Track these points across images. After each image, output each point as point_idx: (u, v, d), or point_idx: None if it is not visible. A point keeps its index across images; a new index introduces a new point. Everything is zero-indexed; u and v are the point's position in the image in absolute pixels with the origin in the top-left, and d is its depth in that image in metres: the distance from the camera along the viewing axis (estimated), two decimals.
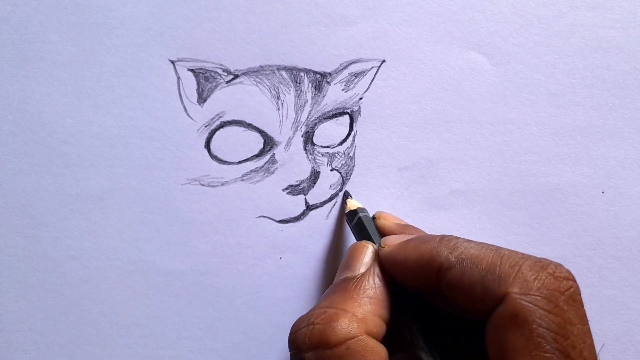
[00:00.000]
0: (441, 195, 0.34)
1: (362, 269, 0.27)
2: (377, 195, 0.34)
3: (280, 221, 0.33)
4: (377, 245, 0.28)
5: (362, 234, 0.30)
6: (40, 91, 0.31)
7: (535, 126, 0.34)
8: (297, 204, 0.33)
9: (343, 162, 0.33)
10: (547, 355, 0.21)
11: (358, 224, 0.31)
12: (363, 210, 0.32)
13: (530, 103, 0.34)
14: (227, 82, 0.31)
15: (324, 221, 0.34)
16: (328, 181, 0.33)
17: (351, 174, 0.34)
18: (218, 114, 0.32)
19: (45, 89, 0.31)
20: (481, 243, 0.24)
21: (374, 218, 0.31)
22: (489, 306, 0.22)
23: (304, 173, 0.33)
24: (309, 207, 0.33)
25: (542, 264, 0.23)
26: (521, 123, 0.34)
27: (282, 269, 0.34)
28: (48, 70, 0.31)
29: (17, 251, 0.32)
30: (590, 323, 0.36)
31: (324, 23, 0.32)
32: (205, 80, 0.31)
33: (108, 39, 0.31)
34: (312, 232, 0.34)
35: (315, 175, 0.33)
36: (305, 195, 0.33)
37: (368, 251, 0.28)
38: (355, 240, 0.30)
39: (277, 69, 0.32)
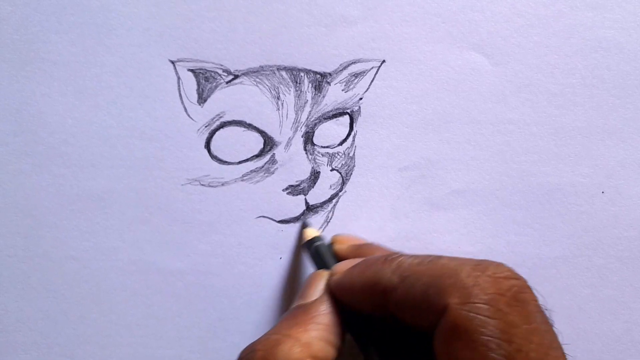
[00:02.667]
0: (441, 195, 0.34)
1: (315, 296, 0.27)
2: (377, 195, 0.34)
3: (280, 221, 0.33)
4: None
5: (319, 262, 0.30)
6: (41, 91, 0.31)
7: (535, 126, 0.34)
8: (297, 204, 0.33)
9: (343, 162, 0.33)
10: None
11: (314, 253, 0.31)
12: (319, 238, 0.32)
13: (530, 103, 0.34)
14: (227, 83, 0.31)
15: (323, 221, 0.34)
16: (328, 181, 0.33)
17: (351, 174, 0.34)
18: (218, 114, 0.32)
19: (45, 89, 0.31)
20: (424, 255, 0.24)
21: (331, 243, 0.32)
22: (433, 321, 0.22)
23: (304, 173, 0.33)
24: (309, 208, 0.33)
25: (481, 267, 0.22)
26: (521, 123, 0.34)
27: (282, 269, 0.34)
28: (48, 70, 0.31)
29: (17, 251, 0.32)
30: (590, 323, 0.36)
31: (324, 23, 0.32)
32: (206, 81, 0.31)
33: (108, 39, 0.31)
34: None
35: (315, 176, 0.33)
36: (305, 195, 0.33)
37: (322, 279, 0.28)
38: (312, 270, 0.31)
39: (277, 69, 0.32)
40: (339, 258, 0.30)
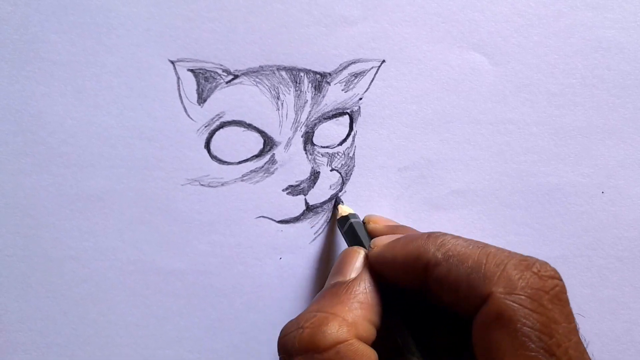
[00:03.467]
0: (441, 195, 0.34)
1: (353, 274, 0.27)
2: (377, 195, 0.34)
3: (280, 221, 0.33)
4: (368, 249, 0.28)
5: (354, 239, 0.30)
6: (40, 91, 0.31)
7: (535, 126, 0.34)
8: (297, 204, 0.33)
9: (343, 162, 0.33)
10: (532, 354, 0.21)
11: (349, 229, 0.31)
12: (354, 215, 0.32)
13: (530, 103, 0.34)
14: (227, 83, 0.31)
15: (323, 222, 0.34)
16: (328, 181, 0.33)
17: (351, 174, 0.34)
18: (218, 114, 0.32)
19: (45, 89, 0.31)
20: (469, 240, 0.24)
21: (364, 222, 0.32)
22: (474, 305, 0.22)
23: (304, 173, 0.33)
24: (309, 208, 0.33)
25: (527, 263, 0.22)
26: (521, 123, 0.34)
27: (282, 269, 0.34)
28: (48, 70, 0.31)
29: (17, 251, 0.32)
30: (590, 323, 0.36)
31: (323, 23, 0.32)
32: (205, 81, 0.31)
33: (108, 39, 0.31)
34: (312, 232, 0.34)
35: (315, 176, 0.33)
36: (305, 195, 0.33)
37: (359, 256, 0.28)
38: (346, 246, 0.30)
39: (277, 69, 0.32)
40: (373, 237, 0.30)
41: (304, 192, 0.33)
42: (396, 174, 0.34)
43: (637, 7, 0.33)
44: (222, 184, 0.32)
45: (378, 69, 0.32)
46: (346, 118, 0.33)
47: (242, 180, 0.33)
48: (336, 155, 0.33)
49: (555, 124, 0.34)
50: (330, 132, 0.33)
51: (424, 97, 0.33)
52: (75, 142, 0.31)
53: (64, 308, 0.33)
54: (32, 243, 0.32)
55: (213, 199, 0.33)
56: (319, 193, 0.33)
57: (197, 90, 0.31)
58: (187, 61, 0.31)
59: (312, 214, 0.33)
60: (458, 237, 0.24)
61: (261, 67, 0.31)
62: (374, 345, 0.24)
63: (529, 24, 0.33)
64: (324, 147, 0.33)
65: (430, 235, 0.25)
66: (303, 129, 0.32)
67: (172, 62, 0.31)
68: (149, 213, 0.32)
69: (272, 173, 0.33)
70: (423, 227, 0.34)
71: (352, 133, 0.33)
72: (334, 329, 0.23)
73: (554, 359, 0.21)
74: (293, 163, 0.33)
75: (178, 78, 0.31)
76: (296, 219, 0.33)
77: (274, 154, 0.33)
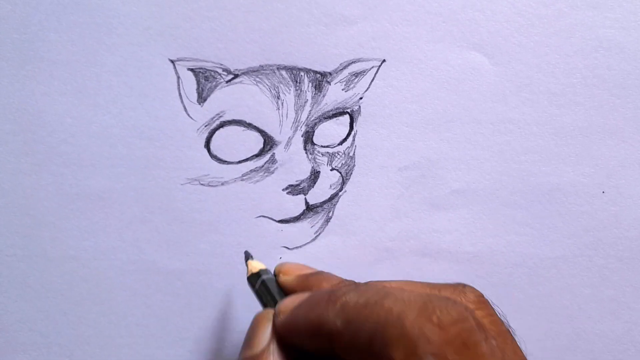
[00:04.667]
0: (441, 195, 0.34)
1: (262, 345, 0.26)
2: (377, 195, 0.34)
3: (280, 221, 0.33)
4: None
5: (265, 299, 0.29)
6: (40, 91, 0.31)
7: (535, 126, 0.34)
8: (297, 204, 0.33)
9: (343, 161, 0.33)
10: None
11: (261, 288, 0.29)
12: (266, 272, 0.30)
13: (531, 103, 0.34)
14: (227, 82, 0.31)
15: (323, 221, 0.34)
16: (328, 181, 0.33)
17: (351, 173, 0.34)
18: (218, 114, 0.32)
19: (45, 89, 0.31)
20: (369, 293, 0.22)
21: (275, 275, 0.30)
22: None
23: (304, 173, 0.33)
24: (309, 207, 0.33)
25: (426, 313, 0.21)
26: (521, 123, 0.34)
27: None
28: (48, 69, 0.31)
29: (17, 251, 0.32)
30: (590, 323, 0.36)
31: (324, 22, 0.32)
32: (205, 80, 0.31)
33: (108, 39, 0.30)
34: (312, 232, 0.34)
35: (315, 175, 0.33)
36: (305, 195, 0.33)
37: (268, 325, 0.26)
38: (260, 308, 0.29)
39: (277, 68, 0.32)
40: (285, 291, 0.29)
41: (304, 191, 0.33)
42: (396, 173, 0.34)
43: (637, 7, 0.33)
44: (222, 184, 0.32)
45: (378, 69, 0.32)
46: (346, 117, 0.33)
47: (242, 180, 0.33)
48: (336, 154, 0.33)
49: (555, 124, 0.34)
50: (331, 132, 0.33)
51: (425, 96, 0.33)
52: (75, 142, 0.31)
53: (64, 308, 0.33)
54: (32, 243, 0.32)
55: (213, 199, 0.33)
56: (319, 193, 0.33)
57: (197, 89, 0.31)
58: (187, 60, 0.31)
59: (312, 213, 0.33)
60: (360, 293, 0.23)
61: (261, 66, 0.31)
62: None
63: (530, 24, 0.33)
64: (324, 146, 0.33)
65: (330, 297, 0.23)
66: (303, 129, 0.32)
67: (172, 62, 0.31)
68: (149, 212, 0.32)
69: (272, 172, 0.33)
70: (423, 227, 0.34)
71: (353, 132, 0.33)
72: None
73: None
74: (293, 162, 0.33)
75: (178, 77, 0.31)
76: (296, 219, 0.33)
77: (274, 153, 0.33)
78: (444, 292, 0.24)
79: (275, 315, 0.26)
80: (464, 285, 0.24)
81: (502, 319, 0.23)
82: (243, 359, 0.26)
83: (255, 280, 0.30)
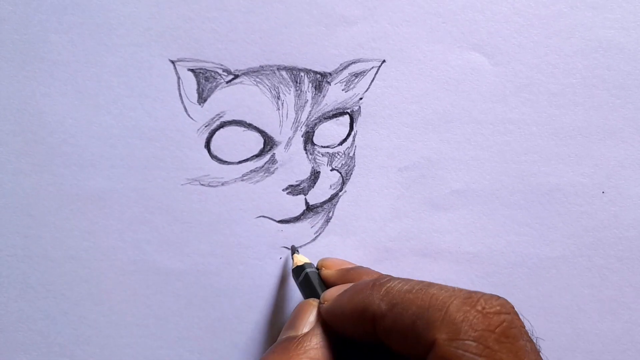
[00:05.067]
0: (441, 195, 0.34)
1: (306, 329, 0.26)
2: (377, 195, 0.34)
3: (280, 221, 0.33)
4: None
5: (308, 290, 0.30)
6: (41, 91, 0.31)
7: (535, 126, 0.34)
8: (297, 204, 0.33)
9: (343, 162, 0.33)
10: None
11: (304, 280, 0.31)
12: (309, 265, 0.31)
13: (531, 103, 0.34)
14: (227, 82, 0.31)
15: (323, 221, 0.34)
16: (328, 181, 0.33)
17: (351, 174, 0.34)
18: (218, 114, 0.32)
19: (45, 89, 0.31)
20: (414, 282, 0.23)
21: (318, 269, 0.31)
22: (422, 352, 0.21)
23: (304, 173, 0.33)
24: (309, 208, 0.33)
25: (471, 301, 0.21)
26: (521, 123, 0.34)
27: (282, 269, 0.34)
28: (48, 70, 0.31)
29: (17, 251, 0.32)
30: (590, 323, 0.36)
31: (324, 23, 0.32)
32: (206, 80, 0.31)
33: (108, 39, 0.31)
34: (312, 232, 0.34)
35: (315, 175, 0.33)
36: (305, 195, 0.33)
37: (312, 310, 0.27)
38: (302, 298, 0.30)
39: (277, 69, 0.32)
40: (327, 284, 0.30)
41: (304, 191, 0.33)
42: (396, 174, 0.34)
43: (637, 7, 0.33)
44: (222, 184, 0.32)
45: (378, 69, 0.32)
46: (346, 118, 0.33)
47: (242, 180, 0.33)
48: (336, 155, 0.33)
49: (555, 124, 0.34)
50: (331, 132, 0.33)
51: (424, 97, 0.33)
52: (76, 142, 0.31)
53: (64, 308, 0.33)
54: (32, 243, 0.32)
55: (213, 199, 0.33)
56: (319, 193, 0.33)
57: (198, 90, 0.31)
58: (188, 61, 0.31)
59: (312, 213, 0.33)
60: (404, 281, 0.24)
61: (261, 66, 0.31)
62: None
63: (529, 24, 0.33)
64: (324, 146, 0.33)
65: (374, 283, 0.24)
66: (303, 129, 0.32)
67: (173, 62, 0.31)
68: (149, 213, 0.32)
69: (273, 173, 0.33)
70: (423, 227, 0.34)
71: (353, 133, 0.33)
72: None
73: None
74: (293, 163, 0.33)
75: (178, 78, 0.31)
76: (296, 219, 0.33)
77: (274, 153, 0.33)
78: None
79: (320, 303, 0.27)
80: (498, 297, 0.24)
81: (531, 332, 0.23)
82: (286, 338, 0.26)
83: (299, 272, 0.31)
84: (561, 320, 0.36)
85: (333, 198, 0.33)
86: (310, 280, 0.30)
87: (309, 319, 0.27)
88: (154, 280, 0.33)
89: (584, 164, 0.35)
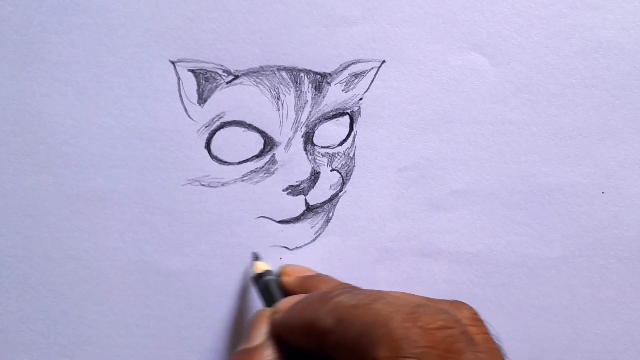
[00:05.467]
0: (441, 195, 0.34)
1: (259, 340, 0.26)
2: (377, 195, 0.34)
3: (281, 222, 0.33)
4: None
5: (269, 298, 0.30)
6: (41, 92, 0.31)
7: (535, 126, 0.34)
8: (297, 204, 0.33)
9: (343, 162, 0.33)
10: None
11: (264, 288, 0.31)
12: (270, 273, 0.32)
13: (530, 103, 0.34)
14: (227, 83, 0.32)
15: (323, 222, 0.34)
16: (328, 182, 0.33)
17: (351, 174, 0.34)
18: (218, 115, 0.32)
19: (45, 90, 0.31)
20: (362, 295, 0.23)
21: (279, 276, 0.32)
22: None
23: (304, 173, 0.33)
24: (309, 208, 0.33)
25: (413, 317, 0.21)
26: (521, 123, 0.34)
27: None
28: (48, 71, 0.31)
29: (17, 251, 0.32)
30: (590, 323, 0.36)
31: (324, 23, 0.32)
32: (206, 81, 0.31)
33: (108, 40, 0.31)
34: (312, 232, 0.34)
35: (315, 176, 0.33)
36: (305, 195, 0.33)
37: (266, 321, 0.27)
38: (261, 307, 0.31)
39: (277, 69, 0.32)
40: (286, 291, 0.30)
41: (304, 192, 0.33)
42: (396, 174, 0.34)
43: (637, 7, 0.33)
44: (223, 184, 0.33)
45: (378, 70, 0.32)
46: (346, 118, 0.33)
47: (242, 181, 0.33)
48: (336, 155, 0.33)
49: (555, 125, 0.34)
50: (331, 132, 0.33)
51: (424, 97, 0.33)
52: (76, 143, 0.31)
53: (64, 308, 0.33)
54: (32, 243, 0.32)
55: (213, 199, 0.33)
56: (319, 193, 0.33)
57: (198, 90, 0.31)
58: (188, 61, 0.31)
59: (312, 214, 0.33)
60: (354, 295, 0.23)
61: (261, 67, 0.31)
62: None
63: (529, 25, 0.33)
64: (324, 147, 0.33)
65: (323, 297, 0.24)
66: (303, 129, 0.33)
67: (173, 63, 0.31)
68: (150, 213, 0.32)
69: (272, 173, 0.33)
70: (423, 227, 0.34)
71: (352, 133, 0.33)
72: None
73: None
74: (293, 163, 0.33)
75: (178, 78, 0.31)
76: (296, 219, 0.33)
77: (274, 154, 0.33)
78: (439, 305, 0.25)
79: (273, 314, 0.27)
80: (461, 303, 0.24)
81: (495, 339, 0.23)
82: (238, 352, 0.27)
83: (259, 280, 0.31)
84: (561, 320, 0.36)
85: (333, 198, 0.34)
86: (268, 289, 0.30)
87: (262, 331, 0.27)
88: (154, 280, 0.33)
89: (584, 164, 0.35)
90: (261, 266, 0.32)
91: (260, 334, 0.27)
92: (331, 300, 0.24)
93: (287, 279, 0.31)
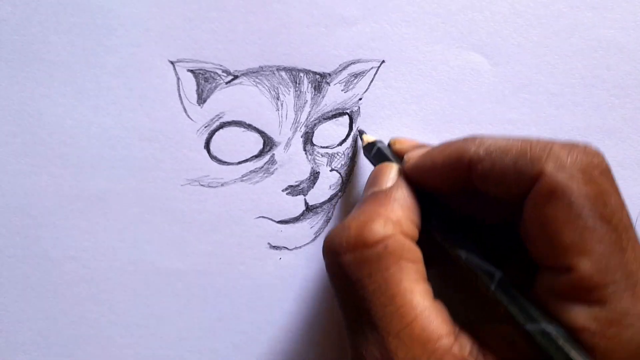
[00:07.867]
0: None
1: (389, 184, 0.27)
2: None
3: (280, 222, 0.33)
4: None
5: (383, 160, 0.30)
6: (40, 92, 0.31)
7: (534, 126, 0.34)
8: (296, 204, 0.33)
9: (343, 162, 0.33)
10: (589, 223, 0.21)
11: (377, 153, 0.31)
12: (380, 142, 0.32)
13: (530, 103, 0.34)
14: (226, 83, 0.32)
15: (323, 222, 0.34)
16: (328, 182, 0.33)
17: (351, 174, 0.34)
18: (218, 115, 0.32)
19: (44, 90, 0.31)
20: (506, 136, 0.24)
21: (389, 145, 0.32)
22: (524, 188, 0.23)
23: (304, 173, 0.33)
24: (309, 208, 0.33)
25: (572, 144, 0.23)
26: (520, 123, 0.34)
27: (282, 269, 0.34)
28: (48, 71, 0.31)
29: (17, 251, 0.32)
30: None
31: (323, 23, 0.32)
32: (205, 81, 0.31)
33: (108, 40, 0.31)
34: (312, 232, 0.34)
35: (314, 176, 0.33)
36: (304, 195, 0.33)
37: (393, 168, 0.28)
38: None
39: (277, 69, 0.32)
40: (401, 157, 0.30)
41: (303, 192, 0.33)
42: None
43: (637, 7, 0.33)
44: (222, 184, 0.33)
45: (378, 70, 0.32)
46: (346, 118, 0.33)
47: (241, 181, 0.33)
48: (336, 155, 0.33)
49: (554, 124, 0.34)
50: (330, 133, 0.33)
51: (424, 97, 0.33)
52: (75, 143, 0.31)
53: (64, 308, 0.33)
54: (32, 243, 0.32)
55: (213, 199, 0.33)
56: (319, 193, 0.33)
57: (197, 90, 0.31)
58: (187, 62, 0.31)
59: (311, 214, 0.33)
60: (494, 136, 0.25)
61: (261, 67, 0.31)
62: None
63: (529, 24, 0.33)
64: (323, 147, 0.33)
65: (466, 137, 0.25)
66: (303, 129, 0.33)
67: (172, 63, 0.31)
68: (149, 213, 0.32)
69: (272, 173, 0.33)
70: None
71: (352, 133, 0.33)
72: (380, 226, 0.24)
73: (610, 226, 0.21)
74: (293, 163, 0.33)
75: (178, 78, 0.31)
76: (296, 219, 0.33)
77: (273, 154, 0.33)
78: None
79: (403, 162, 0.28)
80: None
81: None
82: (371, 193, 0.27)
83: (371, 148, 0.31)
84: None
85: (333, 198, 0.34)
86: (383, 152, 0.30)
87: (391, 176, 0.28)
88: (154, 280, 0.33)
89: None
90: (370, 137, 0.32)
91: (390, 179, 0.28)
92: (477, 138, 0.25)
93: (401, 146, 0.31)
